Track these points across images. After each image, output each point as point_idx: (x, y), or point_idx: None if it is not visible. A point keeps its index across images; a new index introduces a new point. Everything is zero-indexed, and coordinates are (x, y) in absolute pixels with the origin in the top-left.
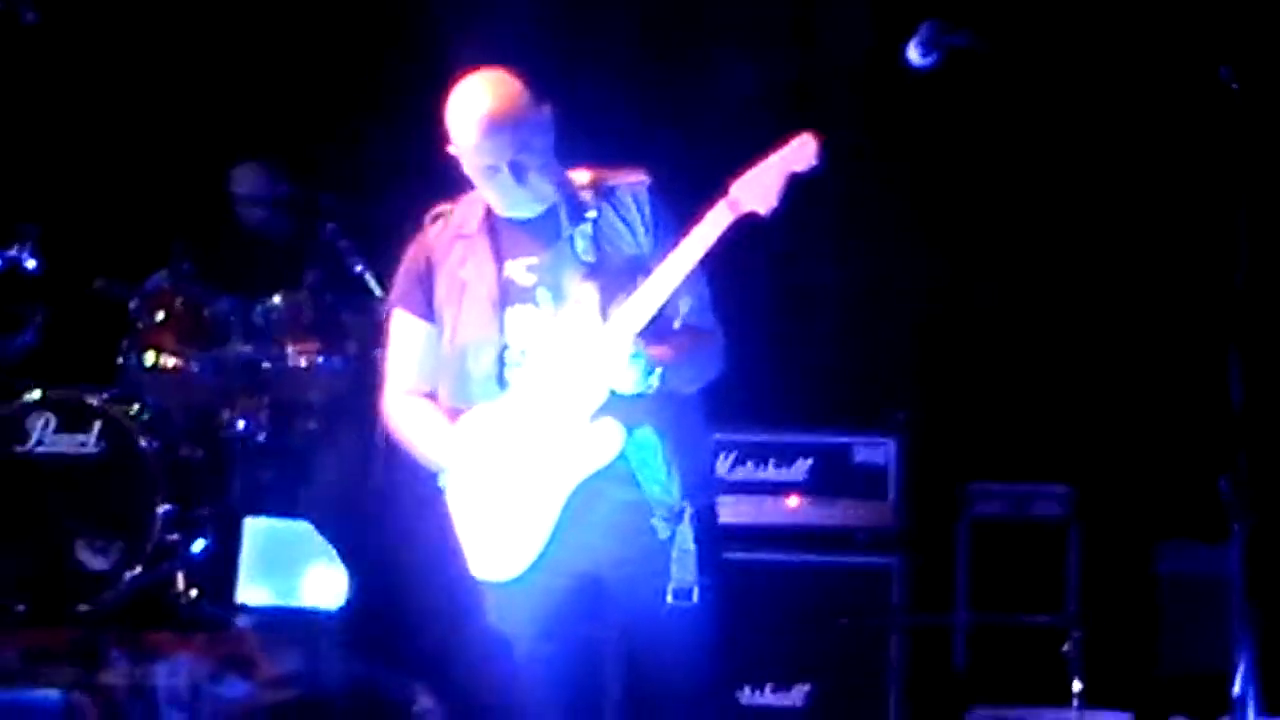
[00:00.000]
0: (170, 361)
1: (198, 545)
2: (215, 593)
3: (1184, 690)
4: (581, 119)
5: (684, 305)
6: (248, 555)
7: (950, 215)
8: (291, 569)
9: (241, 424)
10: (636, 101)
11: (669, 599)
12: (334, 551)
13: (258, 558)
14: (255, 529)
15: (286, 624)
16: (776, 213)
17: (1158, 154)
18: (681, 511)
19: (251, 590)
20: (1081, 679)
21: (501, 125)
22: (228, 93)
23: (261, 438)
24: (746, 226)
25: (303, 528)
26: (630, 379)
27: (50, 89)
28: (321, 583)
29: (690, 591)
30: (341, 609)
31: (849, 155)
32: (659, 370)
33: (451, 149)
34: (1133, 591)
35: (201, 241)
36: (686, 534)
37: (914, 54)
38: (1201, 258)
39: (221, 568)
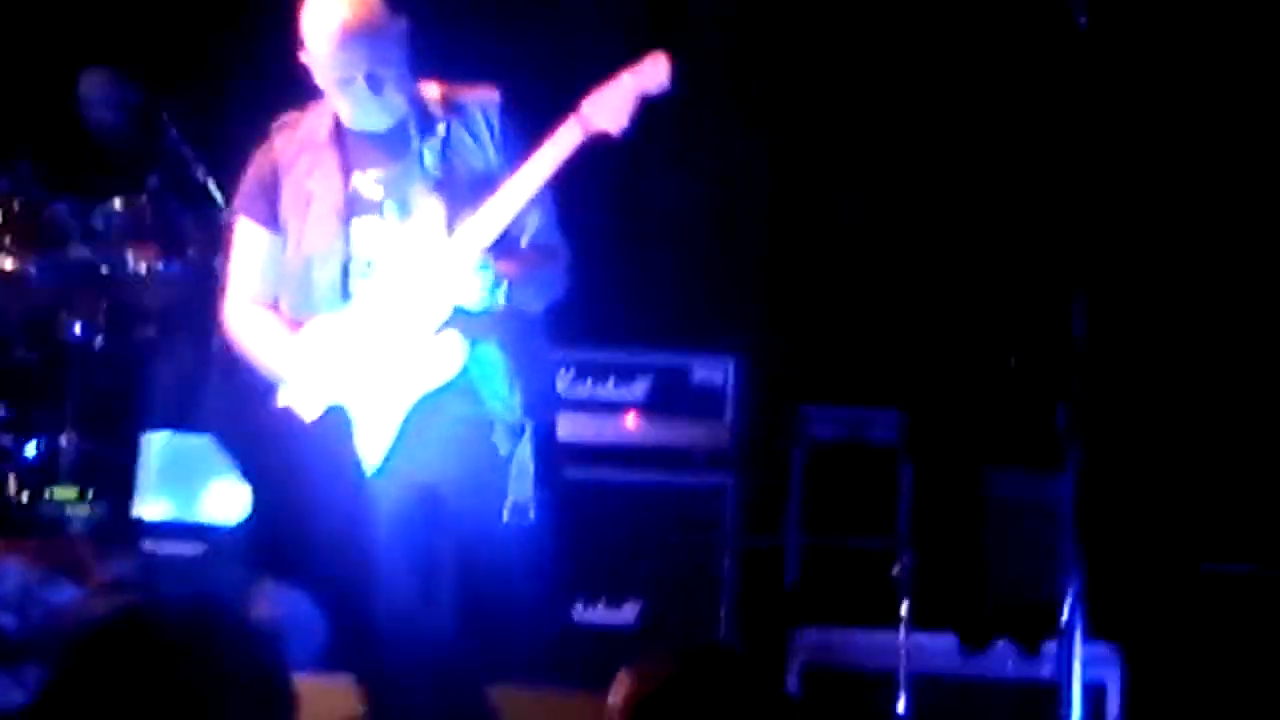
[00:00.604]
0: (6, 264)
1: (30, 449)
2: (43, 496)
3: (1010, 615)
4: (434, 33)
5: (531, 222)
6: (146, 469)
7: (794, 138)
8: (192, 483)
9: (78, 328)
10: (488, 16)
11: (506, 515)
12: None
13: (157, 472)
14: (154, 442)
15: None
16: (626, 132)
17: (1009, 83)
18: (522, 428)
19: (151, 504)
20: (910, 601)
21: (358, 36)
22: None
23: (98, 343)
24: (593, 145)
25: (203, 441)
26: (475, 294)
27: None
28: (223, 497)
29: (527, 509)
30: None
31: (695, 71)
32: (504, 286)
33: (304, 57)
34: (963, 517)
35: (43, 143)
36: (525, 451)
37: None
38: (1042, 188)
39: (53, 472)
